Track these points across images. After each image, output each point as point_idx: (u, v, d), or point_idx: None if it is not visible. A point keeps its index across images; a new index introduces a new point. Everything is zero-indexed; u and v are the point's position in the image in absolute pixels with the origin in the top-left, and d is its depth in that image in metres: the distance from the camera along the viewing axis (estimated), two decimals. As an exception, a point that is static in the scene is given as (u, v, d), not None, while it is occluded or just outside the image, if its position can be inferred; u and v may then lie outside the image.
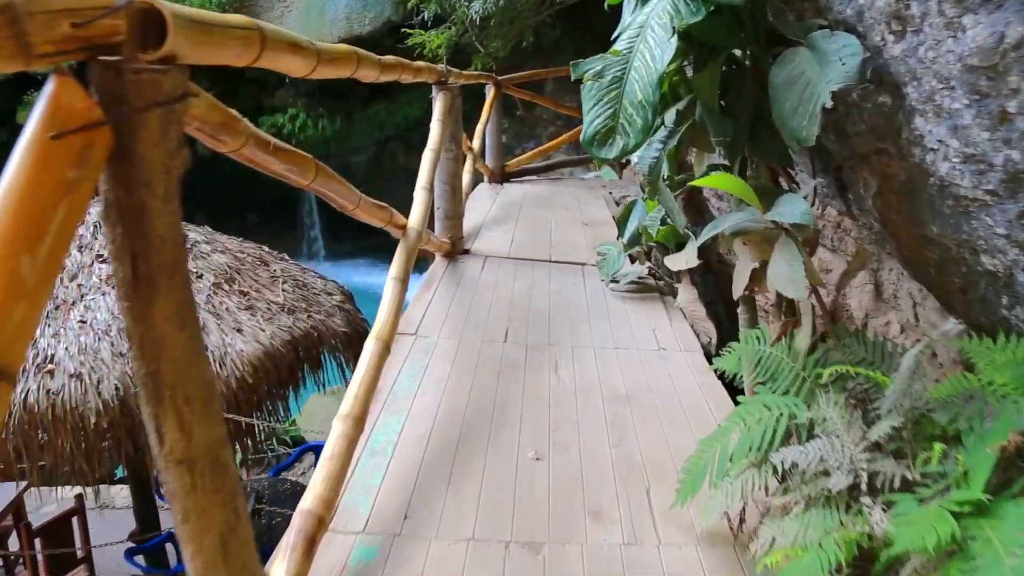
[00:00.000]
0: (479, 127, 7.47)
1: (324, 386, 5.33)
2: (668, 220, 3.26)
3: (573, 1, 10.47)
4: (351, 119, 16.94)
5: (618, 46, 2.27)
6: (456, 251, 5.03)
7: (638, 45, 2.09)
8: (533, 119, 16.41)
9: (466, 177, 6.31)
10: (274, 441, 7.08)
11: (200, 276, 5.19)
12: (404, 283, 2.91)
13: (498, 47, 7.90)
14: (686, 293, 3.90)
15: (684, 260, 3.29)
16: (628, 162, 7.76)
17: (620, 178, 11.05)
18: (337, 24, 14.32)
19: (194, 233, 5.73)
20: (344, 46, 2.31)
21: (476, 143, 7.14)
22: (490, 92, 8.09)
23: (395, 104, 16.97)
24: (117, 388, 4.32)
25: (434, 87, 4.79)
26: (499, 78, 8.41)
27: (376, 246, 20.54)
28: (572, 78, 2.25)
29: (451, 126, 4.80)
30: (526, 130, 16.58)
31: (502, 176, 8.62)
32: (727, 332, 4.19)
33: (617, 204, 7.94)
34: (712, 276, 5.12)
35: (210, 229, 6.33)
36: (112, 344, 4.50)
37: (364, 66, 2.41)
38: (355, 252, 20.03)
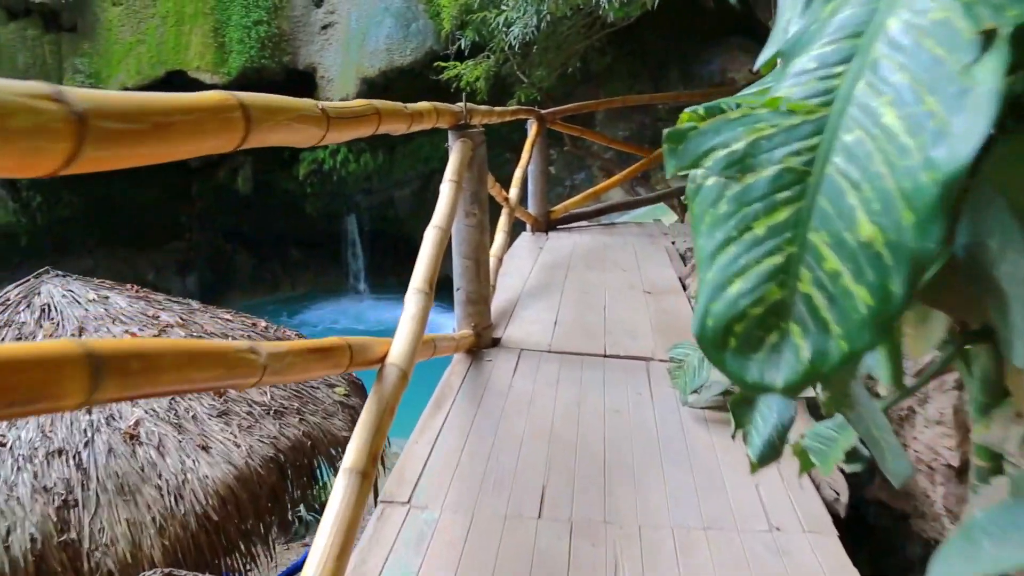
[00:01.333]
0: (518, 172, 6.37)
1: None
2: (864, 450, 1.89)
3: (626, 23, 9.35)
4: (393, 153, 16.09)
5: (790, 87, 0.82)
6: (482, 344, 3.90)
7: (854, 83, 0.75)
8: (583, 150, 15.29)
9: (500, 237, 5.20)
10: None
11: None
12: (368, 477, 1.78)
13: (542, 76, 6.82)
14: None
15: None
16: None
17: (683, 221, 9.81)
18: (378, 55, 13.48)
19: (168, 314, 4.71)
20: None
21: (514, 192, 6.02)
22: (532, 128, 7.00)
23: (439, 136, 16.01)
24: (34, 539, 3.29)
25: (450, 133, 3.71)
26: (543, 112, 7.32)
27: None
28: (669, 172, 0.96)
29: (473, 185, 3.72)
30: (575, 162, 15.46)
31: (547, 224, 7.50)
32: (866, 479, 2.94)
33: (683, 259, 6.73)
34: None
35: (200, 303, 5.32)
36: (35, 476, 3.48)
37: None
38: (399, 287, 19.10)
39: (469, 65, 7.78)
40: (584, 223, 8.07)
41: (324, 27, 13.90)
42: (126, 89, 13.83)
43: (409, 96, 3.12)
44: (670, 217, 10.42)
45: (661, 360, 3.78)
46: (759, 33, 14.96)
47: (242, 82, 13.97)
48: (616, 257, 6.28)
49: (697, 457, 2.87)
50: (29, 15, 13.82)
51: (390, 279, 19.71)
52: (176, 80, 14.27)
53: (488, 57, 7.57)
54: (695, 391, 3.30)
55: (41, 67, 13.90)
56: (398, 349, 2.26)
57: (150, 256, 17.35)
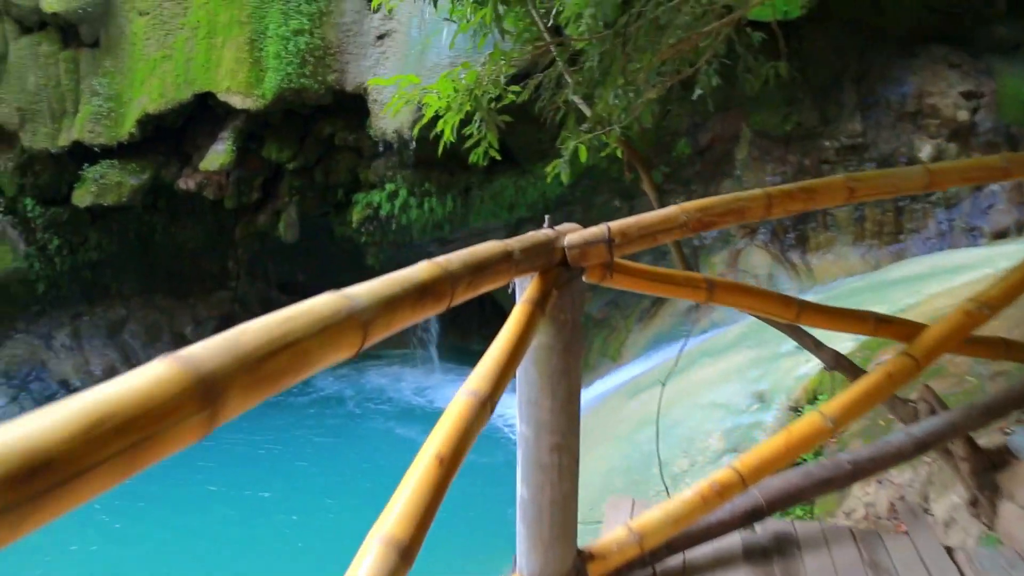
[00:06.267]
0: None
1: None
2: None
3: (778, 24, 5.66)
4: (468, 196, 12.86)
5: None
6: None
7: None
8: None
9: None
10: None
11: None
12: None
13: (619, 112, 3.36)
14: None
15: None
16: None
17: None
18: (439, 70, 10.31)
19: None
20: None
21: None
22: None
23: (527, 178, 12.74)
24: None
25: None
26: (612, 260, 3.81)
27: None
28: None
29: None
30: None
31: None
32: None
33: None
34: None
35: None
36: None
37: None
38: (479, 354, 15.83)
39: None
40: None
41: (380, 36, 10.90)
42: (147, 115, 11.35)
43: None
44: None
45: None
46: (976, 41, 10.63)
47: (279, 105, 11.18)
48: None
49: None
50: (44, 28, 11.66)
51: (469, 348, 16.50)
52: (204, 103, 11.69)
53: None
54: None
55: (55, 88, 11.68)
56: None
57: (192, 307, 14.95)
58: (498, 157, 3.41)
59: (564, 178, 3.49)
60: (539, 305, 1.50)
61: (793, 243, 10.76)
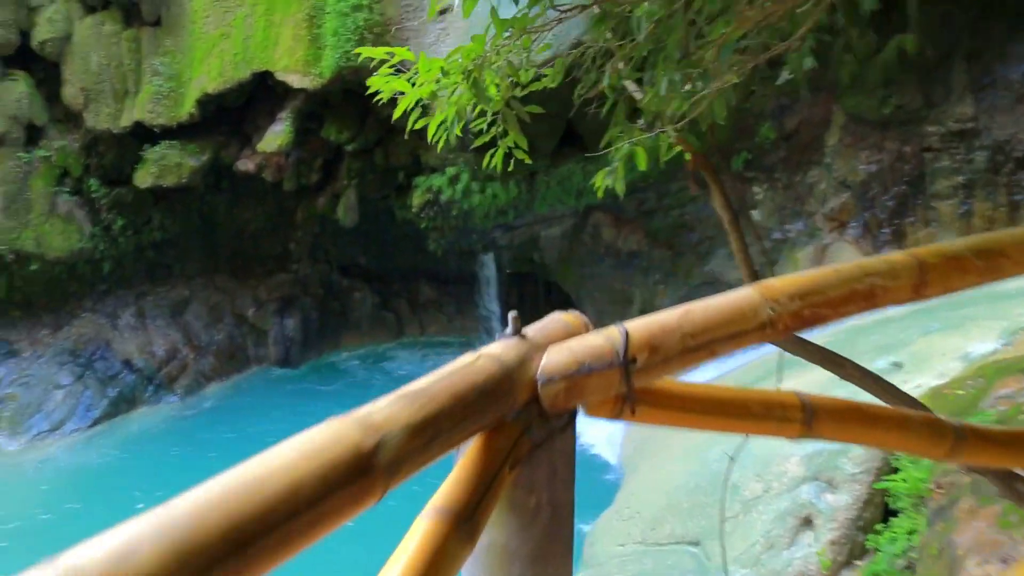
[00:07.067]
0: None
1: None
2: None
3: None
4: (533, 182, 12.20)
5: None
6: None
7: None
8: (802, 186, 10.45)
9: None
10: None
11: None
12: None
13: (680, 104, 2.61)
14: None
15: None
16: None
17: None
18: (502, 50, 9.69)
19: None
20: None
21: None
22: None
23: (596, 162, 11.98)
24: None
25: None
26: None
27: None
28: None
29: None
30: (789, 205, 10.64)
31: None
32: None
33: None
34: None
35: None
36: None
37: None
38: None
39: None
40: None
41: (441, 12, 10.27)
42: (206, 95, 11.10)
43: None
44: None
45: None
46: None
47: (337, 84, 10.74)
48: None
49: None
50: (108, 7, 11.52)
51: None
52: (264, 83, 11.37)
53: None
54: None
55: (117, 68, 11.56)
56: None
57: (253, 289, 14.83)
58: (526, 160, 2.77)
59: (618, 189, 2.83)
60: (461, 519, 0.81)
61: (889, 239, 9.71)
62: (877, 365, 6.90)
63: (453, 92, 2.53)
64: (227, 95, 11.42)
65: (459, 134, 2.69)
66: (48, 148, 11.83)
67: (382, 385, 13.25)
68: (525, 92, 2.74)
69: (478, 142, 2.83)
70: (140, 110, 11.49)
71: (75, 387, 11.91)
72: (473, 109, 2.63)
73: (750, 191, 10.79)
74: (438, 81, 2.47)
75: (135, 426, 11.87)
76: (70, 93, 11.54)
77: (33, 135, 11.79)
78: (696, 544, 7.15)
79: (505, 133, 2.76)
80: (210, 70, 11.23)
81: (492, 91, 2.58)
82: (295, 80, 10.71)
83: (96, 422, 11.69)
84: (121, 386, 12.30)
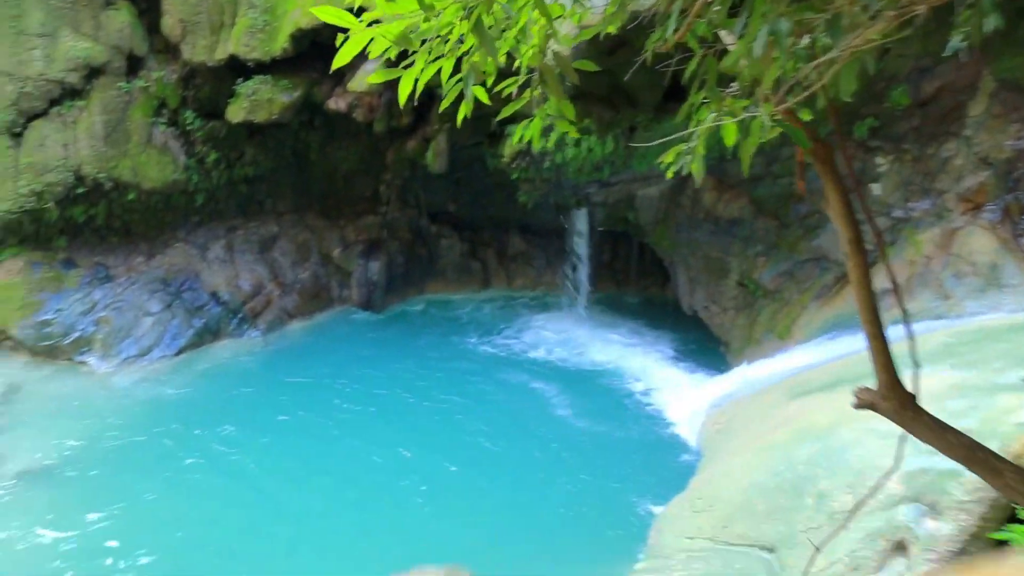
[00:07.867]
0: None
1: None
2: None
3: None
4: (632, 138, 11.41)
5: None
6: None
7: None
8: (934, 160, 9.24)
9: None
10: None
11: None
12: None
13: (790, 70, 1.92)
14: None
15: None
16: None
17: None
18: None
19: None
20: None
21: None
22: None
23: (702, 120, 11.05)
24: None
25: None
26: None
27: (655, 305, 14.89)
28: None
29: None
30: (916, 181, 9.48)
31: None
32: None
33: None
34: None
35: None
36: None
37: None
38: (632, 313, 14.56)
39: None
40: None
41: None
42: (299, 30, 10.83)
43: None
44: None
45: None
46: None
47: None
48: None
49: None
50: (208, -66, 11.32)
51: (622, 300, 15.21)
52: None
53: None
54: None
55: (215, 2, 11.41)
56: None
57: (341, 229, 14.76)
58: (574, 134, 2.20)
59: (695, 172, 2.23)
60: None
61: (1032, 227, 8.49)
62: (1006, 380, 5.98)
63: (446, 34, 1.95)
64: (321, 31, 11.09)
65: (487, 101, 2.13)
66: (147, 79, 11.91)
67: (464, 346, 13.03)
68: (579, 40, 2.14)
69: (503, 113, 2.27)
70: (235, 43, 11.35)
71: (164, 315, 12.21)
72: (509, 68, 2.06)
73: (872, 162, 9.67)
74: (427, 20, 1.90)
75: (217, 357, 12.10)
76: (169, 24, 11.51)
77: (134, 65, 11.89)
78: (770, 551, 6.53)
79: (545, 98, 2.18)
80: (305, 3, 10.92)
81: (511, 37, 1.99)
82: (387, 17, 10.25)
83: (181, 351, 11.98)
84: (207, 317, 12.53)
